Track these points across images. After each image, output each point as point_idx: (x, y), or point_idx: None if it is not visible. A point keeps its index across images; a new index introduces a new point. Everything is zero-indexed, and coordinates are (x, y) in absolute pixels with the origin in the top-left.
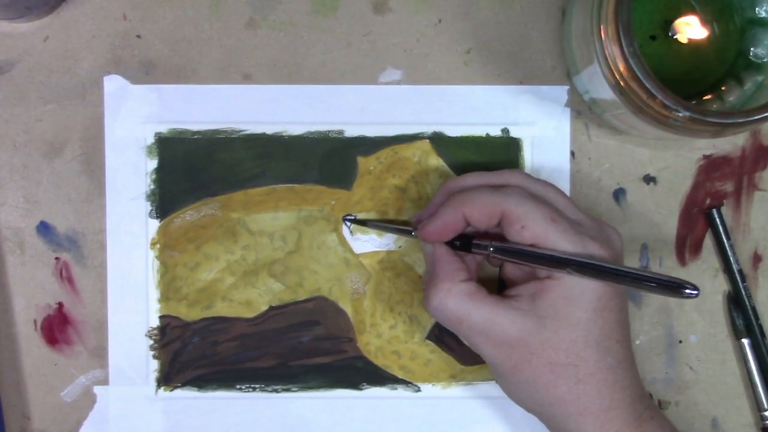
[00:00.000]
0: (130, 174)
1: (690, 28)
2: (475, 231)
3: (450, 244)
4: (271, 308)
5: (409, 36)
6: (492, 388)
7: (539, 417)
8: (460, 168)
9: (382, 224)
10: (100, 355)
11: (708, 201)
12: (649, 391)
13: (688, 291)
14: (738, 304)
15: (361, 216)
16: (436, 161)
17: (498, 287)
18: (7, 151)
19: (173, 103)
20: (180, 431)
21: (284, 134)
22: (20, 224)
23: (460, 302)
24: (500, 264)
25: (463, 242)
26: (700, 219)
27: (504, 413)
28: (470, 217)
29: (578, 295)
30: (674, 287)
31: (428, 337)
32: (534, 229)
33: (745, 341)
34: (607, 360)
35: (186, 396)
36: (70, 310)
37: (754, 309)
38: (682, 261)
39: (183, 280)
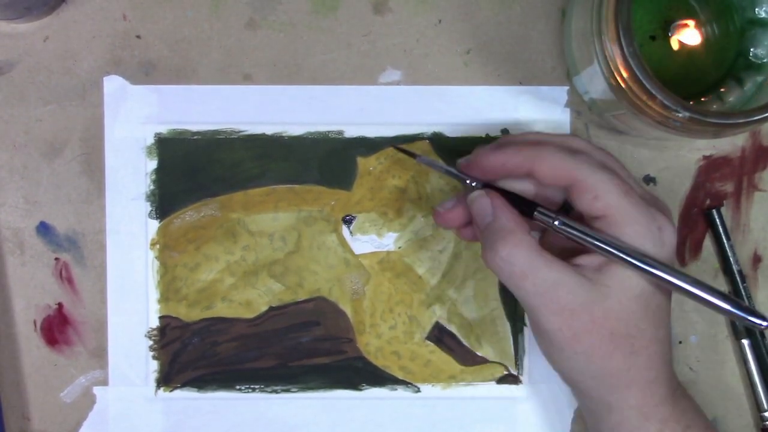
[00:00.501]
0: (129, 174)
1: (690, 29)
2: (534, 194)
3: (512, 203)
4: (271, 309)
5: (409, 36)
6: (492, 389)
7: (582, 390)
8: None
9: (431, 161)
10: (99, 355)
11: (708, 201)
12: None
13: (757, 321)
14: None
15: (361, 216)
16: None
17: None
18: (7, 151)
19: (173, 103)
20: (180, 431)
21: (284, 135)
22: (20, 224)
23: (529, 256)
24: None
25: (527, 206)
26: (700, 219)
27: (504, 413)
28: (539, 172)
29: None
30: (747, 315)
31: (428, 338)
32: (607, 200)
33: (745, 342)
34: (659, 332)
35: (186, 396)
36: (70, 310)
37: None
38: (682, 261)
39: (183, 281)
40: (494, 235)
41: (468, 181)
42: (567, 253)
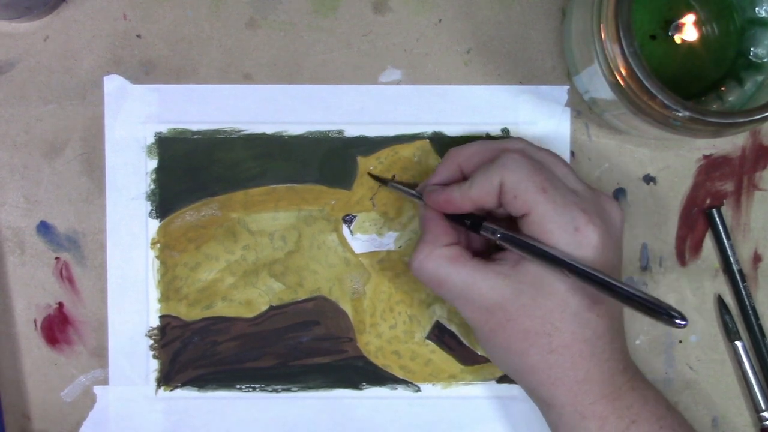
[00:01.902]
0: (130, 174)
1: (690, 28)
2: (487, 213)
3: (460, 222)
4: (271, 308)
5: (409, 36)
6: (492, 388)
7: (517, 381)
8: None
9: (398, 186)
10: (100, 355)
11: (708, 201)
12: None
13: (677, 320)
14: (737, 305)
15: (361, 215)
16: (436, 161)
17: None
18: (7, 151)
19: (173, 103)
20: (180, 431)
21: (284, 134)
22: (20, 224)
23: (439, 265)
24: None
25: (473, 222)
26: (700, 219)
27: (504, 413)
28: (476, 201)
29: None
30: (664, 313)
31: (428, 337)
32: (525, 198)
33: (739, 344)
34: (584, 332)
35: (186, 396)
36: (70, 310)
37: (753, 309)
38: (682, 261)
39: (183, 280)
40: (416, 246)
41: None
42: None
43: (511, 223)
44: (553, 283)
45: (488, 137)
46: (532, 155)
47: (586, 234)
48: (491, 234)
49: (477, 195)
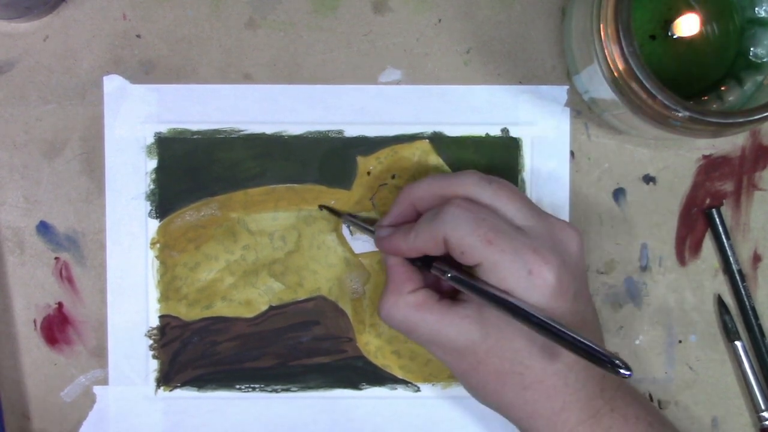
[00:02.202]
0: (129, 174)
1: (689, 28)
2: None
3: (412, 261)
4: (271, 308)
5: (409, 36)
6: None
7: (498, 414)
8: (460, 168)
9: (353, 220)
10: (100, 355)
11: (708, 201)
12: (648, 391)
13: (621, 371)
14: (736, 305)
15: (362, 215)
16: (436, 161)
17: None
18: (7, 151)
19: (173, 103)
20: (180, 431)
21: (284, 134)
22: (20, 224)
23: (406, 314)
24: None
25: (424, 262)
26: (700, 219)
27: None
28: (422, 250)
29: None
30: (610, 363)
31: None
32: (471, 253)
33: (738, 344)
34: (555, 366)
35: (186, 396)
36: (70, 310)
37: (753, 309)
38: (681, 261)
39: (183, 280)
40: (382, 292)
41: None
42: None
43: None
44: (518, 323)
45: (488, 137)
46: (479, 197)
47: (541, 275)
48: (441, 274)
49: (422, 246)
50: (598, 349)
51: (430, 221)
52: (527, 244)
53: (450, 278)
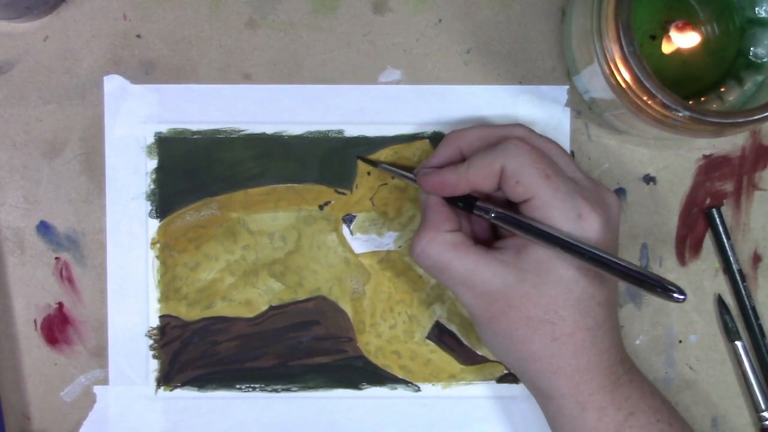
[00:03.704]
0: (130, 174)
1: (690, 28)
2: (482, 195)
3: (453, 203)
4: (271, 308)
5: (409, 36)
6: (492, 388)
7: (516, 372)
8: None
9: (390, 167)
10: (100, 355)
11: (708, 201)
12: None
13: (675, 295)
14: (736, 305)
15: (361, 215)
16: None
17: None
18: (7, 151)
19: (173, 103)
20: (180, 431)
21: (284, 134)
22: (20, 224)
23: (442, 251)
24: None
25: (467, 203)
26: (700, 219)
27: (504, 413)
28: (474, 184)
29: (563, 254)
30: (662, 288)
31: (428, 337)
32: (527, 184)
33: (738, 344)
34: (586, 320)
35: (186, 396)
36: (70, 309)
37: (753, 309)
38: (682, 261)
39: (183, 280)
40: (417, 231)
41: (414, 180)
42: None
43: (509, 208)
44: (558, 270)
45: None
46: (534, 142)
47: (589, 221)
48: (484, 213)
49: (474, 178)
50: (650, 274)
51: (488, 152)
52: (578, 190)
53: (494, 217)
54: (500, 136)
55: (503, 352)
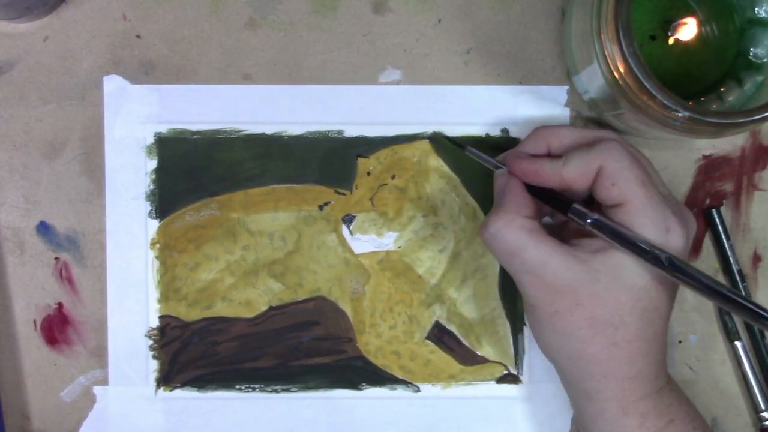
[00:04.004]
0: (129, 174)
1: (689, 29)
2: (564, 193)
3: (545, 199)
4: (271, 308)
5: (409, 36)
6: (491, 388)
7: (561, 370)
8: (460, 168)
9: (477, 152)
10: (99, 355)
11: (708, 201)
12: None
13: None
14: None
15: (361, 216)
16: (435, 161)
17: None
18: (7, 151)
19: (173, 103)
20: (180, 431)
21: (284, 134)
22: (20, 224)
23: (518, 235)
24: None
25: (561, 203)
26: (700, 219)
27: (504, 413)
28: (567, 179)
29: (641, 262)
30: (749, 312)
31: (428, 337)
32: (624, 188)
33: (738, 344)
34: (647, 330)
35: (186, 396)
36: (70, 310)
37: None
38: None
39: (183, 280)
40: (493, 212)
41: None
42: (574, 233)
43: (588, 207)
44: (632, 277)
45: (488, 137)
46: (627, 147)
47: (675, 236)
48: (579, 218)
49: (570, 174)
50: (738, 295)
51: (587, 151)
52: (668, 203)
53: (592, 223)
54: (595, 137)
55: (556, 349)
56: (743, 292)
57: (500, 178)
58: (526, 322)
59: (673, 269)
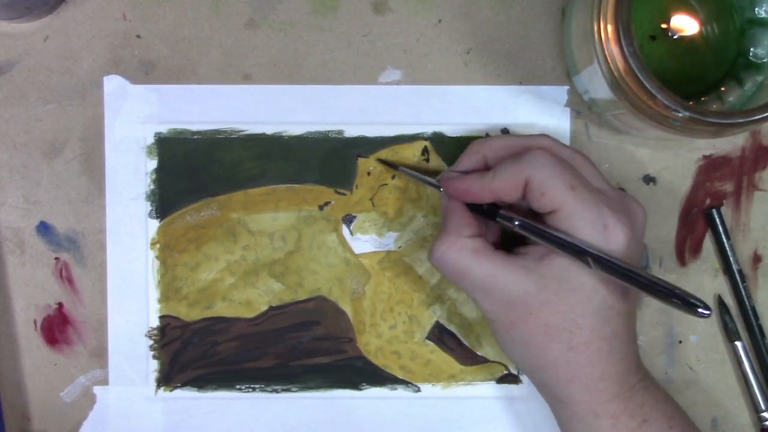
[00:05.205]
0: (130, 174)
1: (689, 29)
2: (506, 205)
3: (477, 209)
4: (271, 308)
5: (409, 36)
6: (491, 388)
7: (531, 379)
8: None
9: (412, 171)
10: (100, 355)
11: (708, 201)
12: None
13: (700, 310)
14: (736, 305)
15: (361, 216)
16: (436, 161)
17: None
18: (7, 151)
19: (173, 103)
20: (180, 431)
21: (284, 134)
22: (20, 224)
23: (462, 256)
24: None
25: (489, 210)
26: (700, 219)
27: (504, 413)
28: (498, 193)
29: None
30: (686, 303)
31: (428, 338)
32: (552, 195)
33: (738, 344)
34: (604, 330)
35: (186, 396)
36: (70, 310)
37: (753, 309)
38: (682, 261)
39: (183, 280)
40: (438, 235)
41: (439, 186)
42: (522, 242)
43: (532, 216)
44: (578, 279)
45: (488, 137)
46: (559, 153)
47: (615, 232)
48: (507, 222)
49: (499, 187)
50: (674, 288)
51: (513, 162)
52: (604, 201)
53: (519, 226)
54: (525, 146)
55: (520, 359)
56: (743, 293)
57: (443, 199)
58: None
59: (601, 267)
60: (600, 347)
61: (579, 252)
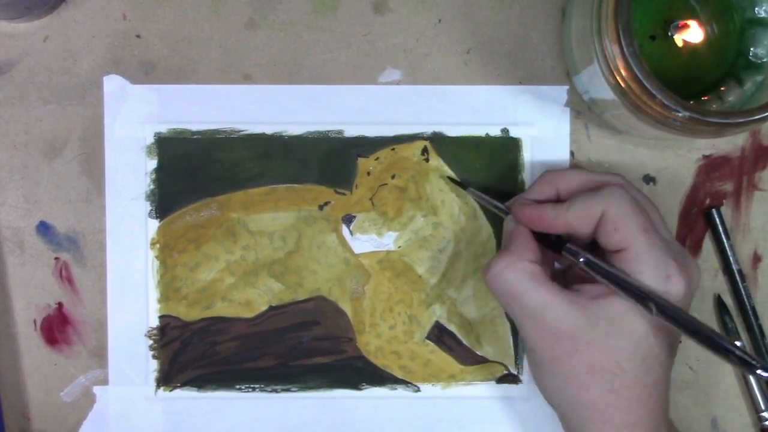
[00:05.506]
0: (129, 174)
1: (690, 29)
2: (571, 237)
3: (544, 240)
4: (271, 308)
5: (409, 36)
6: (491, 388)
7: (561, 415)
8: (460, 168)
9: (480, 193)
10: (99, 355)
11: (708, 201)
12: None
13: (759, 371)
14: (736, 305)
15: (361, 215)
16: (435, 161)
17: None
18: (7, 151)
19: (173, 103)
20: (179, 431)
21: (284, 134)
22: (20, 224)
23: (519, 278)
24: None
25: (557, 242)
26: (700, 219)
27: (504, 413)
28: (572, 224)
29: (639, 308)
30: (746, 363)
31: (428, 337)
32: (625, 233)
33: (738, 344)
34: (647, 378)
35: (186, 396)
36: (70, 310)
37: (753, 309)
38: None
39: (183, 280)
40: (498, 254)
41: (506, 212)
42: (578, 279)
43: (593, 253)
44: (631, 324)
45: (488, 137)
46: (633, 194)
47: (676, 283)
48: (573, 256)
49: (573, 219)
50: (736, 348)
51: (590, 196)
52: (671, 250)
53: (584, 262)
54: (601, 182)
55: (556, 395)
56: (743, 293)
57: (508, 224)
58: (527, 364)
59: (663, 315)
60: (640, 394)
61: (642, 296)
